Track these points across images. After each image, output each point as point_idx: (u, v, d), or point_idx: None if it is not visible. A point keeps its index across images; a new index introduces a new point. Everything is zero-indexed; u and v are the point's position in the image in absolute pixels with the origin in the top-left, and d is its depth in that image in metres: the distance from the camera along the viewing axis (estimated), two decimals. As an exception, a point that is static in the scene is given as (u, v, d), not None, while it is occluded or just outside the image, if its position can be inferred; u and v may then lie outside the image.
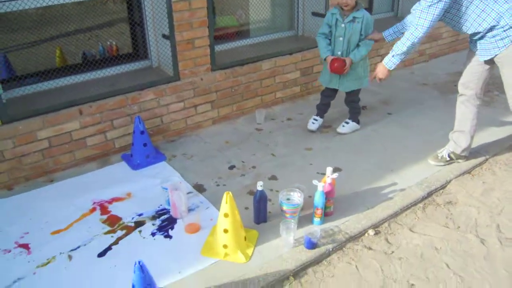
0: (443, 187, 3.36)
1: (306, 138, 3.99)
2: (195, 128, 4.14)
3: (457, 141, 3.49)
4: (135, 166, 3.57)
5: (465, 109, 3.41)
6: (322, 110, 4.14)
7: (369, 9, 5.71)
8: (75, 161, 3.60)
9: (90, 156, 3.66)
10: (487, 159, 3.68)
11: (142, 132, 3.53)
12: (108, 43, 4.09)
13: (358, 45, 3.72)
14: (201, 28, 3.84)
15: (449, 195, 3.30)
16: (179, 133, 4.06)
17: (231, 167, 3.57)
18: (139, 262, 2.12)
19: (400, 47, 3.15)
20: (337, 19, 3.70)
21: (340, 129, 4.05)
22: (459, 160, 3.57)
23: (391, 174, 3.45)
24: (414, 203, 3.18)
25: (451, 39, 6.07)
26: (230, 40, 4.52)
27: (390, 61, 3.26)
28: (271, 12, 4.86)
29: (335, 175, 2.93)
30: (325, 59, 3.80)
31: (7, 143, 3.26)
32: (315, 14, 4.72)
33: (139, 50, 4.09)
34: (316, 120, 4.13)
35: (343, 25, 3.68)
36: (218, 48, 4.25)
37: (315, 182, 2.86)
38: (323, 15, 4.61)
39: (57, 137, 3.45)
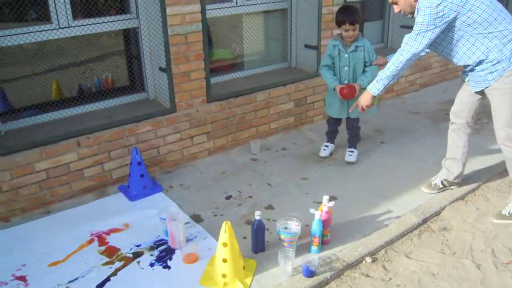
0: (437, 213, 3.41)
1: (301, 168, 4.04)
2: (191, 159, 4.18)
3: (450, 168, 3.56)
4: (132, 197, 3.59)
5: (456, 137, 3.48)
6: (331, 136, 4.25)
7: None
8: (72, 192, 3.62)
9: (87, 187, 3.68)
10: (479, 185, 3.75)
11: (139, 163, 3.56)
12: (104, 76, 4.16)
13: (364, 71, 3.82)
14: (197, 61, 3.93)
15: (443, 221, 3.34)
16: (176, 164, 4.10)
17: (228, 197, 3.60)
18: (139, 292, 2.13)
19: (384, 71, 3.17)
20: (339, 50, 3.80)
21: (349, 158, 4.11)
22: (452, 187, 3.63)
23: (386, 201, 3.50)
24: (410, 230, 3.21)
25: (441, 69, 6.24)
26: (225, 72, 4.62)
27: (374, 87, 3.27)
28: (265, 45, 4.99)
29: (332, 203, 2.97)
30: (334, 89, 3.88)
31: (4, 175, 3.27)
32: (307, 46, 4.84)
33: (136, 82, 4.16)
34: (327, 146, 4.24)
35: (346, 55, 3.79)
36: (214, 80, 4.34)
37: (312, 210, 2.89)
38: (315, 48, 4.75)
39: (54, 169, 3.47)
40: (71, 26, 3.58)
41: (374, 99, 3.35)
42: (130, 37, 4.01)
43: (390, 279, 2.79)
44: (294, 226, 2.90)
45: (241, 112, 4.36)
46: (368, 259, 2.94)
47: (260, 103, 4.46)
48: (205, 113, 4.12)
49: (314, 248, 2.91)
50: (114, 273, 2.80)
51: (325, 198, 2.97)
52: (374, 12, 5.96)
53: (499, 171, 3.92)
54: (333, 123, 4.16)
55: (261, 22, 4.85)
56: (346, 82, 3.86)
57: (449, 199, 3.54)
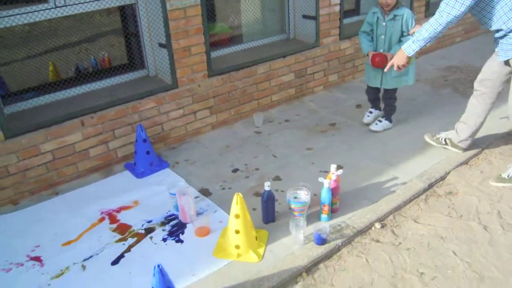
0: (442, 178, 3.45)
1: (306, 138, 4.05)
2: (195, 134, 4.19)
3: (458, 131, 3.59)
4: (139, 175, 3.60)
5: (476, 103, 3.43)
6: (374, 103, 4.23)
7: (356, 10, 5.81)
8: (79, 172, 3.62)
9: (93, 167, 3.68)
10: (482, 149, 3.78)
11: (144, 140, 3.56)
12: (100, 55, 4.12)
13: (400, 41, 3.78)
14: (197, 35, 3.90)
15: (449, 185, 3.39)
16: (180, 139, 4.10)
17: (235, 170, 3.62)
18: (158, 266, 2.16)
19: (422, 32, 3.06)
20: (378, 18, 3.79)
21: (373, 127, 4.12)
22: (454, 149, 3.66)
23: (392, 168, 3.53)
24: (417, 195, 3.26)
25: (438, 35, 6.19)
26: (225, 46, 4.58)
27: (409, 47, 3.19)
28: (263, 16, 4.94)
29: (340, 171, 2.99)
30: (367, 54, 3.88)
31: (11, 158, 3.27)
32: (306, 17, 4.80)
33: (135, 60, 4.13)
34: (371, 112, 4.23)
35: (384, 23, 3.76)
36: (213, 54, 4.31)
37: (320, 179, 2.92)
38: (314, 18, 4.71)
39: (60, 150, 3.47)
40: (68, 5, 3.51)
41: (409, 59, 3.29)
42: (127, 14, 3.95)
43: (400, 243, 2.84)
44: (304, 195, 2.94)
45: (243, 85, 4.35)
46: (377, 225, 2.99)
47: (260, 75, 4.45)
48: (207, 88, 4.10)
49: (324, 216, 2.95)
50: (128, 250, 2.84)
51: (333, 166, 2.99)
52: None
53: (500, 135, 3.95)
54: (371, 92, 4.15)
55: (258, -6, 4.80)
56: (381, 50, 3.84)
57: (453, 163, 3.57)
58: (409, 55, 3.23)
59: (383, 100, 4.13)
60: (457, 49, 6.27)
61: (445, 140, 3.63)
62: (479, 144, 3.81)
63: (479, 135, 3.92)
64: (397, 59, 3.30)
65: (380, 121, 4.14)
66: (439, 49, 6.29)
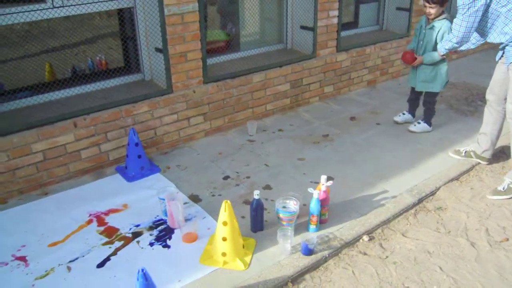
0: (432, 193, 3.46)
1: (298, 148, 4.06)
2: (188, 140, 4.18)
3: (480, 142, 3.75)
4: (130, 178, 3.59)
5: (488, 113, 3.66)
6: (410, 105, 4.49)
7: (355, 23, 5.85)
8: (69, 173, 3.61)
9: (85, 168, 3.67)
10: (473, 166, 3.80)
11: (136, 144, 3.56)
12: (97, 57, 4.12)
13: (434, 50, 3.99)
14: (194, 42, 3.91)
15: (438, 201, 3.39)
16: (172, 145, 4.10)
17: (226, 178, 3.62)
18: (142, 270, 2.15)
19: (443, 45, 3.74)
20: (421, 25, 4.09)
21: (411, 128, 4.33)
22: (480, 161, 3.79)
23: (382, 182, 3.54)
24: (406, 210, 3.26)
25: (434, 52, 6.24)
26: (221, 54, 4.59)
27: (439, 48, 3.84)
28: (261, 26, 4.96)
29: (330, 183, 3.00)
30: None
31: (1, 156, 3.26)
32: (303, 27, 4.82)
33: (131, 63, 4.13)
34: (403, 114, 4.51)
35: (424, 31, 4.04)
36: (210, 61, 4.32)
37: (310, 190, 2.92)
38: (311, 29, 4.73)
39: (51, 150, 3.46)
40: (65, 6, 3.52)
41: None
42: (125, 17, 3.96)
43: (387, 257, 2.84)
44: (293, 205, 2.93)
45: (238, 93, 4.36)
46: (365, 238, 2.98)
47: (256, 84, 4.46)
48: (202, 94, 4.11)
49: (312, 227, 2.95)
50: (114, 253, 2.82)
51: (323, 177, 2.99)
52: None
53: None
54: (411, 91, 4.39)
55: (257, 3, 4.81)
56: (418, 54, 4.13)
57: (444, 179, 3.58)
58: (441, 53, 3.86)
59: (423, 104, 4.32)
60: (453, 66, 6.30)
61: (466, 152, 3.82)
62: (470, 160, 3.82)
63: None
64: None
65: (419, 122, 4.32)
66: (436, 65, 6.32)
